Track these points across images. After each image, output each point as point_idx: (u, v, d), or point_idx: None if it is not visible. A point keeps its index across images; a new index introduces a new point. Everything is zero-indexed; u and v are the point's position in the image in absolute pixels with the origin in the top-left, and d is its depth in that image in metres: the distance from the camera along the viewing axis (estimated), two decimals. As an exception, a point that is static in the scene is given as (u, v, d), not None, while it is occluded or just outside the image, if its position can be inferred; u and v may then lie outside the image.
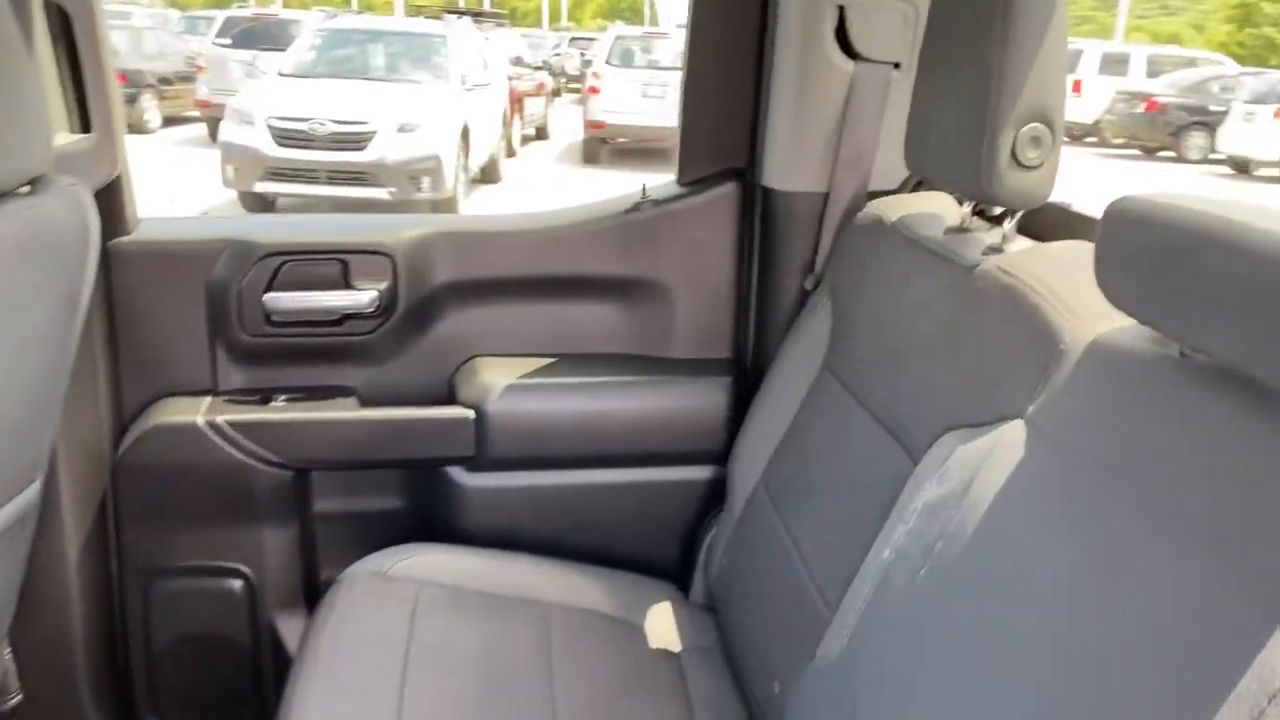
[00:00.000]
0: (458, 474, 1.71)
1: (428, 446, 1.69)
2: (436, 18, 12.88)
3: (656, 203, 1.74)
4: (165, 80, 14.30)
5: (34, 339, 1.14)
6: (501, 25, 15.33)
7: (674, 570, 1.77)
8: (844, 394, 1.38)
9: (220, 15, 14.40)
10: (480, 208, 9.82)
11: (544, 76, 15.61)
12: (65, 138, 1.52)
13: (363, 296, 1.67)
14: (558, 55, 23.64)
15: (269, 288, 1.66)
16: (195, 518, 1.67)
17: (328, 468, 1.71)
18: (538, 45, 21.87)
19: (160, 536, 1.67)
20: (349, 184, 8.56)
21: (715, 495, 1.75)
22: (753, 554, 1.49)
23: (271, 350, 1.71)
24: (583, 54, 23.39)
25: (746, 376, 1.75)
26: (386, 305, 1.69)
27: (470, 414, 1.68)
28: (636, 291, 1.77)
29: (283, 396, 1.69)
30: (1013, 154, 1.13)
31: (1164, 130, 16.86)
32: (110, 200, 1.56)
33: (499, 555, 1.65)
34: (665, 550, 1.77)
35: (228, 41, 12.74)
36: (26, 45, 1.22)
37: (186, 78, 14.18)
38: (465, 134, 9.35)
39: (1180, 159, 16.82)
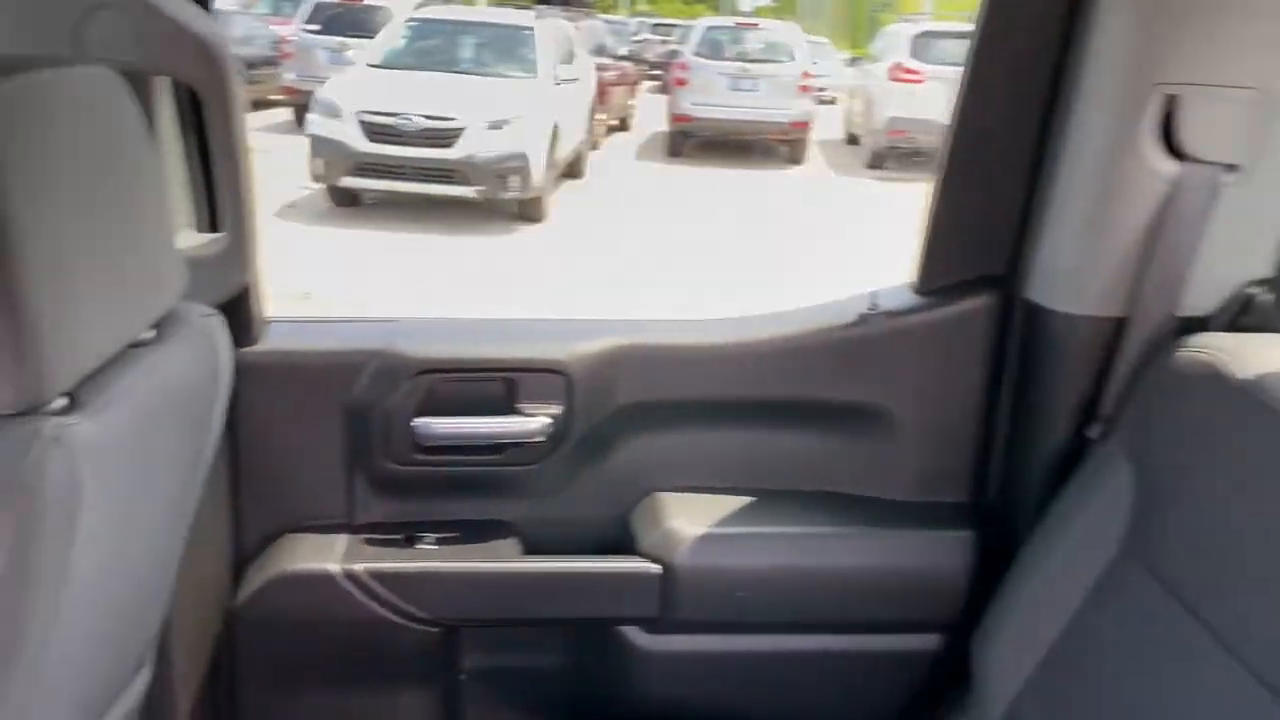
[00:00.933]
0: (635, 635, 1.42)
1: (603, 603, 1.40)
2: (525, 7, 12.63)
3: (889, 314, 1.42)
4: (251, 65, 14.23)
5: (149, 520, 0.94)
6: (591, 15, 15.00)
7: None
8: (1176, 609, 1.05)
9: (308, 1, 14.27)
10: (564, 204, 9.55)
11: (628, 66, 15.24)
12: (191, 238, 1.26)
13: (531, 423, 1.39)
14: (638, 42, 23.28)
15: (420, 410, 1.38)
16: (323, 679, 1.41)
17: (483, 625, 1.43)
18: (619, 31, 21.44)
19: (283, 701, 1.40)
20: (436, 181, 8.36)
21: (944, 673, 1.43)
22: None
23: (418, 481, 1.43)
24: (664, 40, 22.99)
25: (992, 530, 1.43)
26: (558, 433, 1.40)
27: (656, 568, 1.38)
28: (855, 420, 1.45)
29: (431, 536, 1.42)
30: None
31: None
32: (236, 305, 1.29)
33: None
34: None
35: (316, 27, 12.58)
36: (151, 147, 0.96)
37: (270, 62, 14.10)
38: (555, 131, 9.07)
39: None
